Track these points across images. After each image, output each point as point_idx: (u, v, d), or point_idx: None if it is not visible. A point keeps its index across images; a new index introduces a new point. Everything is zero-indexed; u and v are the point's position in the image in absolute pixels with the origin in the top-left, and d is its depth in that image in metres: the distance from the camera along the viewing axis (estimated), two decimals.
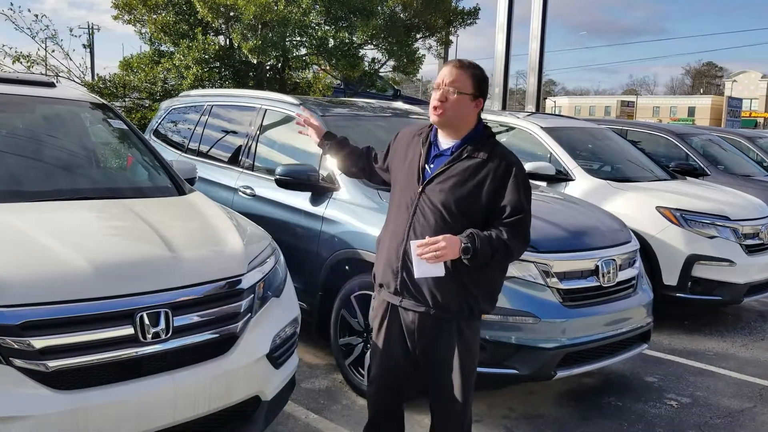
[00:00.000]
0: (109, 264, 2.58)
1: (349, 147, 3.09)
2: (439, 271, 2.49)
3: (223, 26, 9.46)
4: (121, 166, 3.99)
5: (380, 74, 11.80)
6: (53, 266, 2.49)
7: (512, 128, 7.43)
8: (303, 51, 9.89)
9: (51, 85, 4.21)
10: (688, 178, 7.53)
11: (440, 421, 2.84)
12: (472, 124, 2.66)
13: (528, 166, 6.37)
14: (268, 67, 10.21)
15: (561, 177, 6.55)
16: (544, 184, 6.25)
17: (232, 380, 2.79)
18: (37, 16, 8.86)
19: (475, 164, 2.58)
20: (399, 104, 6.49)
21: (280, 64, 10.18)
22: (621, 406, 4.26)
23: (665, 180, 7.03)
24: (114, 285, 2.50)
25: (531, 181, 5.56)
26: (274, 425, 3.64)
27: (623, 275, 4.26)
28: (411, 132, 2.82)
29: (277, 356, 3.04)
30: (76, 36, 8.71)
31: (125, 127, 4.13)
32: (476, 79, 2.62)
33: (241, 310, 2.86)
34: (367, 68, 10.40)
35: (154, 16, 9.60)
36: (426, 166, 2.64)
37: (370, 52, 10.44)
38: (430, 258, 2.44)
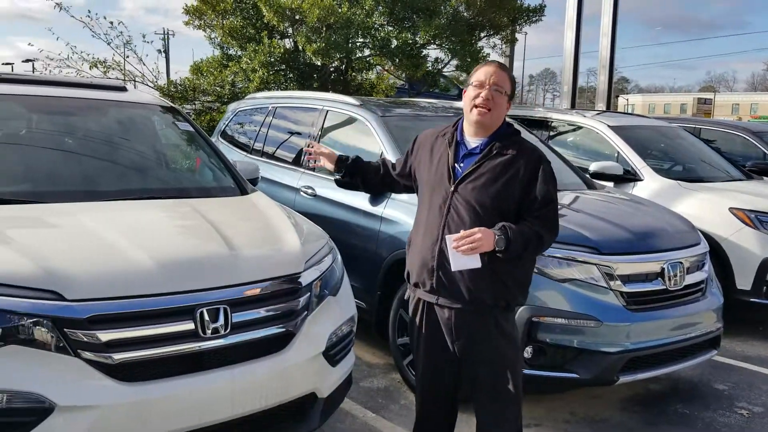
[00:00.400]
0: (172, 261, 2.67)
1: (364, 165, 3.15)
2: (475, 262, 2.54)
3: (288, 29, 9.63)
4: (187, 167, 4.12)
5: (444, 74, 11.75)
6: (119, 263, 2.59)
7: (579, 127, 7.28)
8: (366, 52, 9.95)
9: (122, 89, 4.39)
10: (765, 178, 7.19)
11: (487, 422, 2.81)
12: (500, 124, 2.72)
13: (594, 166, 6.24)
14: (332, 69, 10.33)
15: (628, 177, 6.37)
16: (610, 184, 6.11)
17: (288, 377, 2.84)
18: (112, 23, 9.27)
19: (506, 160, 2.64)
20: (461, 104, 6.44)
21: (343, 66, 10.28)
22: (688, 414, 4.11)
23: (740, 180, 6.74)
24: (175, 281, 2.59)
25: (597, 181, 5.53)
26: (333, 423, 3.69)
27: (691, 279, 4.11)
28: (434, 133, 2.86)
29: (333, 354, 3.08)
30: (149, 42, 9.02)
31: (192, 129, 4.26)
32: (512, 82, 2.73)
33: (298, 308, 2.90)
34: (430, 68, 10.38)
35: (223, 21, 9.86)
36: (456, 165, 2.69)
37: (433, 52, 10.42)
38: (466, 250, 2.50)
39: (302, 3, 8.67)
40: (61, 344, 2.35)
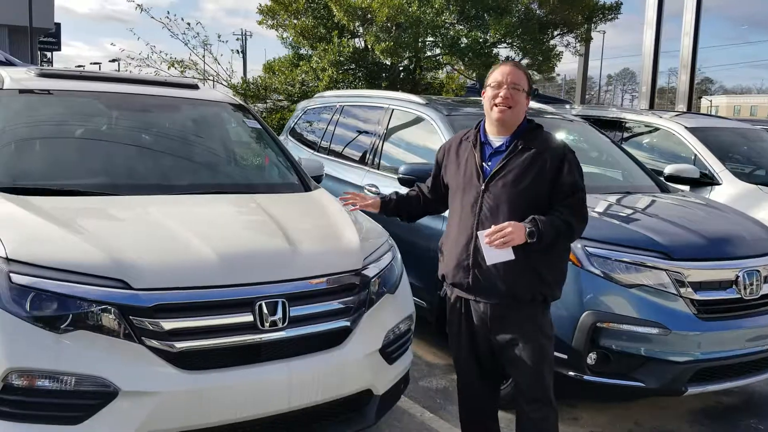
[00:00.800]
0: (234, 254, 2.73)
1: (405, 200, 3.18)
2: (509, 255, 2.60)
3: (359, 29, 9.70)
4: (253, 164, 4.21)
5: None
6: (184, 254, 2.68)
7: (655, 129, 7.05)
8: (436, 51, 9.91)
9: (195, 87, 4.53)
10: None
11: (524, 417, 2.86)
12: (521, 120, 2.79)
13: (669, 169, 6.02)
14: (401, 68, 10.34)
15: (705, 181, 6.11)
16: (686, 188, 5.87)
17: (344, 372, 2.86)
18: (189, 24, 9.58)
19: (532, 155, 2.70)
20: (531, 103, 6.33)
21: (412, 65, 10.27)
22: (762, 430, 3.91)
23: None
24: (236, 274, 2.65)
25: (671, 184, 5.32)
26: (390, 420, 3.69)
27: None
28: (457, 138, 2.97)
29: (390, 352, 3.08)
30: (224, 41, 9.33)
31: (259, 126, 4.36)
32: (529, 78, 2.82)
33: (356, 304, 2.92)
34: None
35: (295, 21, 10.03)
36: (484, 164, 2.77)
37: (504, 51, 10.26)
38: (499, 244, 2.56)
39: (372, 2, 8.71)
40: (127, 331, 2.45)
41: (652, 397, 4.03)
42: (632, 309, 3.60)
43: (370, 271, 3.04)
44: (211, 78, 9.57)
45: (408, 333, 3.30)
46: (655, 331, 3.55)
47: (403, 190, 4.61)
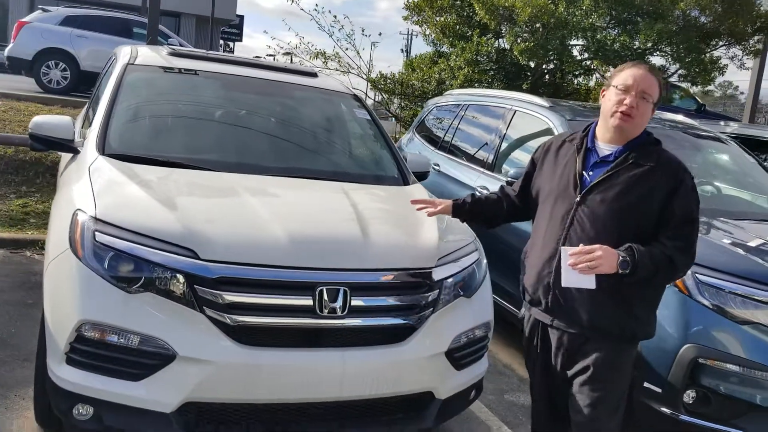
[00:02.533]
0: (302, 238, 2.75)
1: (481, 202, 2.82)
2: (589, 283, 2.27)
3: (503, 28, 9.48)
4: (355, 153, 4.23)
5: (677, 84, 10.77)
6: (254, 232, 2.73)
7: None
8: (584, 55, 9.46)
9: (313, 75, 4.64)
10: None
11: None
12: (640, 132, 2.44)
13: None
14: (545, 71, 9.99)
15: None
16: None
17: (403, 370, 2.79)
18: (335, 17, 9.86)
19: (642, 172, 2.36)
20: (678, 117, 5.87)
21: (554, 68, 9.89)
22: None
23: None
24: (301, 257, 2.67)
25: None
26: (463, 428, 3.57)
27: None
28: (560, 138, 2.63)
29: (459, 357, 2.97)
30: (367, 35, 9.48)
31: (369, 118, 4.37)
32: (661, 86, 2.45)
33: (423, 303, 2.84)
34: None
35: (439, 18, 10.01)
36: (584, 173, 2.44)
37: (656, 59, 9.59)
38: (583, 268, 2.23)
39: (515, 1, 8.48)
40: (191, 299, 2.54)
41: None
42: (742, 348, 3.22)
43: (443, 272, 2.93)
44: (351, 70, 9.80)
45: (483, 341, 3.16)
46: (766, 376, 3.15)
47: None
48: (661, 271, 2.29)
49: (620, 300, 2.35)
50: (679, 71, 9.55)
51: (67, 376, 2.53)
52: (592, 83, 10.80)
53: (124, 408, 2.52)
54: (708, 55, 9.49)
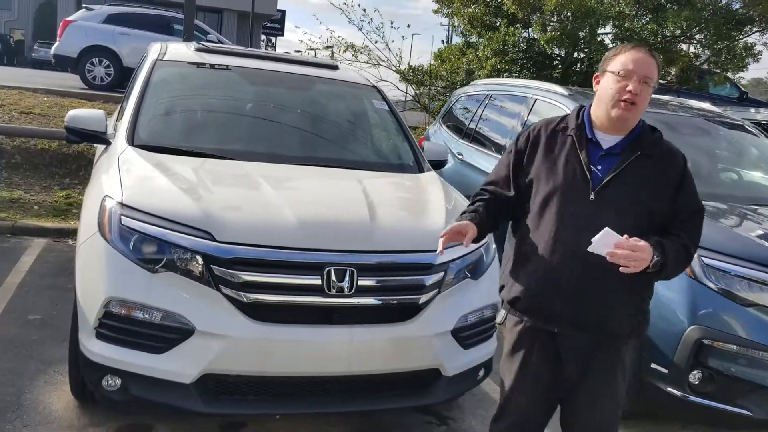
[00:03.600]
0: (311, 221, 2.92)
1: (493, 211, 2.44)
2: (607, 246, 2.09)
3: (532, 18, 9.49)
4: (372, 142, 4.38)
5: (712, 71, 10.59)
6: (267, 216, 2.92)
7: None
8: (612, 42, 9.40)
9: (334, 67, 4.80)
10: None
11: None
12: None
13: None
14: (576, 60, 9.95)
15: None
16: None
17: (409, 347, 2.94)
18: (365, 10, 10.02)
19: (652, 163, 2.26)
20: (705, 105, 5.87)
21: (584, 56, 9.83)
22: None
23: None
24: (310, 239, 2.83)
25: None
26: (473, 406, 3.70)
27: None
28: (545, 127, 2.40)
29: (465, 336, 3.10)
30: (395, 28, 9.60)
31: (387, 109, 4.51)
32: (659, 68, 2.32)
33: (427, 284, 2.97)
34: (689, 63, 9.40)
35: (467, 10, 10.06)
36: (592, 167, 2.26)
37: (686, 46, 9.45)
38: (624, 262, 2.06)
39: None
40: (208, 278, 2.73)
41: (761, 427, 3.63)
42: (746, 330, 3.28)
43: (448, 255, 3.03)
44: (381, 63, 9.94)
45: (490, 321, 3.28)
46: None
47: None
48: (681, 265, 2.24)
49: (637, 298, 2.30)
50: (711, 58, 9.41)
51: (96, 349, 2.75)
52: None
53: (148, 379, 2.72)
54: (741, 41, 9.32)
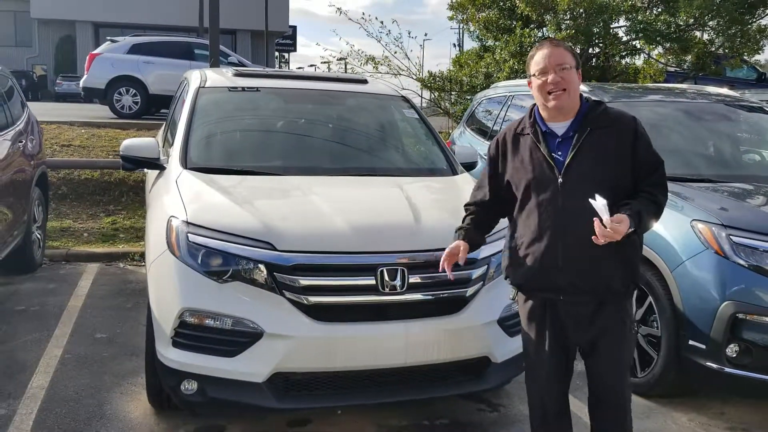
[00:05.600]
0: (362, 226, 3.17)
1: (480, 223, 2.78)
2: (605, 212, 2.30)
3: (546, 18, 9.67)
4: (407, 150, 4.62)
5: (726, 55, 10.67)
6: (321, 224, 3.16)
7: None
8: (625, 37, 9.55)
9: (363, 81, 5.05)
10: None
11: (602, 419, 2.68)
12: (579, 100, 2.54)
13: None
14: (592, 55, 10.10)
15: None
16: None
17: (460, 337, 3.15)
18: (382, 22, 10.28)
19: (604, 134, 2.49)
20: (723, 90, 6.01)
21: (599, 51, 9.98)
22: None
23: None
24: (363, 243, 3.08)
25: None
26: (518, 388, 3.87)
27: None
28: (510, 132, 2.66)
29: (510, 324, 3.29)
30: (413, 37, 9.82)
31: (417, 117, 4.75)
32: (572, 51, 2.57)
33: (473, 277, 3.19)
34: (700, 50, 9.51)
35: (481, 15, 10.27)
36: (554, 155, 2.50)
37: (700, 33, 9.54)
38: (608, 235, 2.28)
39: None
40: (272, 285, 2.97)
41: None
42: None
43: (490, 249, 3.23)
44: (402, 72, 10.18)
45: None
46: None
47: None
48: (653, 218, 2.47)
49: (624, 257, 2.49)
50: (725, 44, 9.50)
51: (174, 356, 3.01)
52: (639, 62, 10.84)
53: (223, 381, 2.97)
54: (755, 24, 9.41)
